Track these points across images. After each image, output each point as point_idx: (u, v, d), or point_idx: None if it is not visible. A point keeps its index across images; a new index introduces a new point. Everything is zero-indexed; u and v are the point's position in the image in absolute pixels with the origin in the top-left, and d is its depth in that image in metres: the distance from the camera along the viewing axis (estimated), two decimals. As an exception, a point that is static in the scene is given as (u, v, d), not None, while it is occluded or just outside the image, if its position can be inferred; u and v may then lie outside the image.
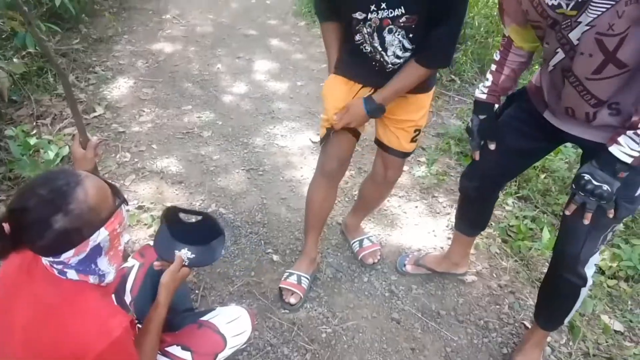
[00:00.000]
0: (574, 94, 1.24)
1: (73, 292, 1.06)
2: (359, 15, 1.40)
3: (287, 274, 1.95)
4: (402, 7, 1.34)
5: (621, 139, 1.15)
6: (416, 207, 2.45)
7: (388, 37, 1.42)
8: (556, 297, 1.57)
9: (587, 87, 1.20)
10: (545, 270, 2.11)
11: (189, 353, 1.36)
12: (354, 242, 2.14)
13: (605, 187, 1.19)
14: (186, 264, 1.43)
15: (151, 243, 1.65)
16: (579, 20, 1.09)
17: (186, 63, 3.73)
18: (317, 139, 2.82)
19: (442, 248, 2.22)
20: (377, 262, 2.09)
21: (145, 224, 2.19)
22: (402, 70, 1.48)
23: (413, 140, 1.74)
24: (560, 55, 1.22)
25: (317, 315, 1.86)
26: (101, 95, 3.17)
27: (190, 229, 1.52)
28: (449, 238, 2.28)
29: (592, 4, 1.05)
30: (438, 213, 2.44)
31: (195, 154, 2.73)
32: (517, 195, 2.56)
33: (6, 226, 0.95)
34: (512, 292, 2.03)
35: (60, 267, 1.04)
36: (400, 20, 1.37)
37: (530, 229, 2.32)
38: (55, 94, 3.15)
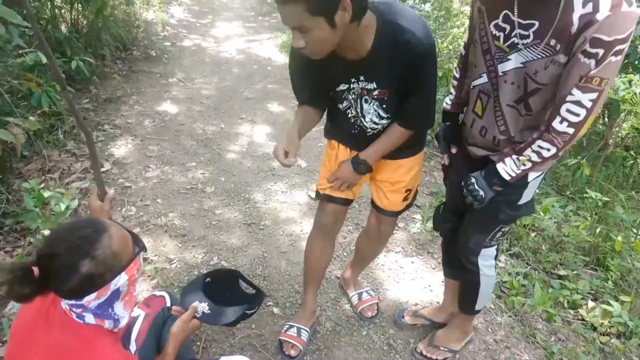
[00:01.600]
0: (491, 116, 1.44)
1: (89, 338, 1.11)
2: (342, 87, 1.56)
3: (287, 326, 1.98)
4: (374, 82, 1.49)
5: (507, 160, 1.38)
6: (412, 262, 2.53)
7: (365, 106, 1.57)
8: (465, 283, 1.86)
9: (504, 113, 1.40)
10: (539, 325, 2.17)
11: (195, 399, 1.38)
12: (353, 295, 2.20)
13: (481, 193, 1.43)
14: (198, 316, 1.49)
15: (157, 293, 1.72)
16: (509, 57, 1.29)
17: (191, 122, 3.91)
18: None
19: (437, 302, 2.28)
20: (375, 315, 2.13)
21: (149, 276, 2.24)
22: (386, 131, 1.62)
23: (405, 199, 1.83)
24: (484, 79, 1.41)
25: (317, 368, 1.89)
26: (109, 152, 3.31)
27: (231, 294, 1.64)
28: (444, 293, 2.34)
29: (522, 51, 1.26)
30: (434, 269, 2.51)
31: (198, 208, 2.82)
32: (509, 252, 2.65)
33: (36, 270, 1.03)
34: (508, 347, 2.07)
35: (79, 310, 1.10)
36: (374, 93, 1.52)
37: (523, 285, 2.39)
38: (65, 149, 3.29)
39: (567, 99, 1.21)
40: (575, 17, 1.13)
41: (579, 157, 3.55)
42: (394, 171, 1.77)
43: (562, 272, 2.54)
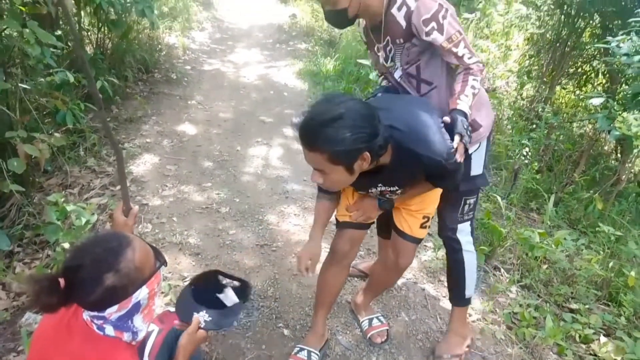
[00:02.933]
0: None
1: (109, 350, 1.14)
2: (362, 192, 1.72)
3: (297, 349, 2.00)
4: (396, 186, 1.62)
5: (459, 100, 1.63)
6: (423, 289, 2.54)
7: (388, 195, 1.72)
8: (450, 268, 2.06)
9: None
10: (550, 358, 2.15)
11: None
12: (364, 320, 2.20)
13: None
14: (202, 326, 1.52)
15: (171, 309, 1.75)
16: (396, 66, 1.76)
17: (208, 144, 4.00)
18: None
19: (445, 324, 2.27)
20: (385, 341, 2.13)
21: (163, 292, 2.27)
22: (420, 185, 1.67)
23: (422, 226, 1.84)
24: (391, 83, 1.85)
25: (325, 392, 1.89)
26: (128, 170, 3.39)
27: (220, 293, 1.65)
28: (455, 322, 2.34)
29: (393, 55, 1.74)
30: (444, 297, 2.51)
31: (212, 228, 2.87)
32: (520, 283, 2.65)
33: (62, 281, 1.07)
34: (518, 379, 2.06)
35: (100, 322, 1.14)
36: (397, 192, 1.66)
37: (534, 317, 2.37)
38: (85, 166, 3.38)
39: (454, 60, 1.66)
40: (400, 19, 1.64)
41: (591, 192, 3.56)
42: (416, 199, 1.79)
43: (573, 306, 2.52)
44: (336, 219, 1.91)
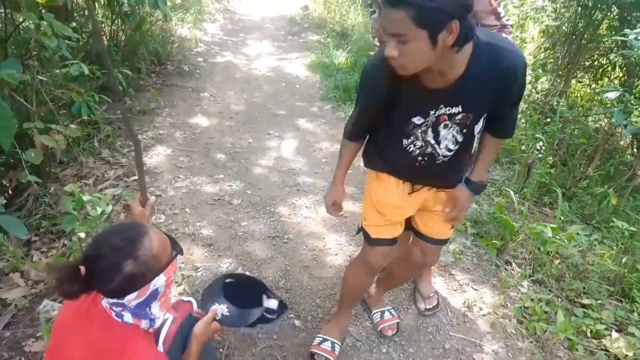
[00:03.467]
0: None
1: (128, 337, 1.17)
2: (417, 120, 1.45)
3: (320, 339, 2.00)
4: (460, 106, 1.39)
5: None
6: (434, 283, 2.54)
7: (443, 132, 1.46)
8: None
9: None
10: (560, 353, 2.15)
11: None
12: (376, 313, 2.22)
13: None
14: (218, 318, 1.54)
15: (184, 299, 1.78)
16: None
17: (220, 136, 4.03)
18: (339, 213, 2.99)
19: (458, 324, 2.28)
20: (395, 334, 2.15)
21: (176, 282, 2.31)
22: (484, 145, 1.58)
23: (452, 226, 1.79)
24: None
25: (336, 382, 1.91)
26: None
27: (252, 299, 1.67)
28: (465, 315, 2.35)
29: None
30: (455, 290, 2.52)
31: (225, 219, 2.90)
32: (532, 278, 2.64)
33: (82, 269, 1.10)
34: (528, 373, 2.06)
35: (119, 309, 1.17)
36: (457, 118, 1.42)
37: (545, 312, 2.37)
38: (100, 157, 3.43)
39: (493, 20, 1.81)
40: None
41: (605, 187, 3.52)
42: (443, 201, 1.70)
43: (585, 301, 2.51)
44: (365, 233, 1.79)
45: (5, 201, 2.55)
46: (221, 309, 1.54)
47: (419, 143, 1.51)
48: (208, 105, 4.68)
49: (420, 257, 1.86)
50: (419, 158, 1.55)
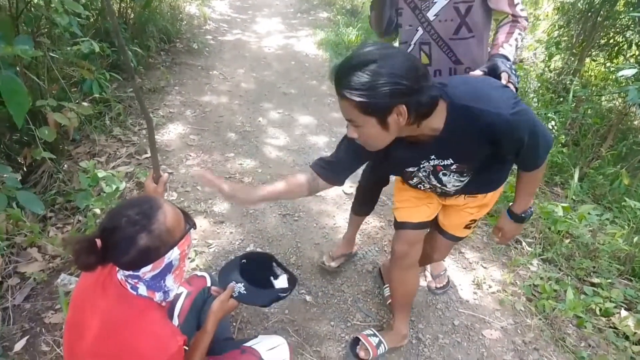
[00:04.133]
0: (440, 53, 1.69)
1: (142, 309, 1.20)
2: (411, 169, 1.52)
3: (372, 332, 1.98)
4: (451, 159, 1.41)
5: (502, 49, 1.57)
6: (444, 261, 2.56)
7: (444, 178, 1.50)
8: None
9: (450, 46, 1.67)
10: (569, 330, 2.17)
11: (232, 377, 1.46)
12: (387, 287, 2.24)
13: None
14: (234, 295, 1.57)
15: (198, 274, 1.81)
16: (434, 1, 1.61)
17: (230, 115, 4.03)
18: (350, 190, 3.00)
19: (467, 301, 2.31)
20: (405, 310, 2.18)
21: (189, 258, 2.34)
22: (521, 181, 1.51)
23: (467, 227, 1.78)
24: (420, 32, 1.69)
25: (346, 356, 1.95)
26: (152, 139, 3.44)
27: (264, 275, 1.69)
28: (475, 292, 2.37)
29: None
30: (465, 268, 2.53)
31: (236, 197, 2.92)
32: (542, 257, 2.65)
33: (98, 242, 1.13)
34: (537, 349, 2.09)
35: (134, 281, 1.19)
36: (452, 168, 1.44)
37: (555, 290, 2.38)
38: (111, 135, 3.45)
39: (506, 7, 1.62)
40: None
41: (618, 167, 3.49)
42: (469, 203, 1.71)
43: (595, 280, 2.52)
44: (395, 218, 1.81)
45: (20, 178, 2.59)
46: (239, 287, 1.57)
47: (426, 185, 1.59)
48: (218, 83, 4.67)
49: (428, 249, 1.89)
50: (433, 190, 1.63)
